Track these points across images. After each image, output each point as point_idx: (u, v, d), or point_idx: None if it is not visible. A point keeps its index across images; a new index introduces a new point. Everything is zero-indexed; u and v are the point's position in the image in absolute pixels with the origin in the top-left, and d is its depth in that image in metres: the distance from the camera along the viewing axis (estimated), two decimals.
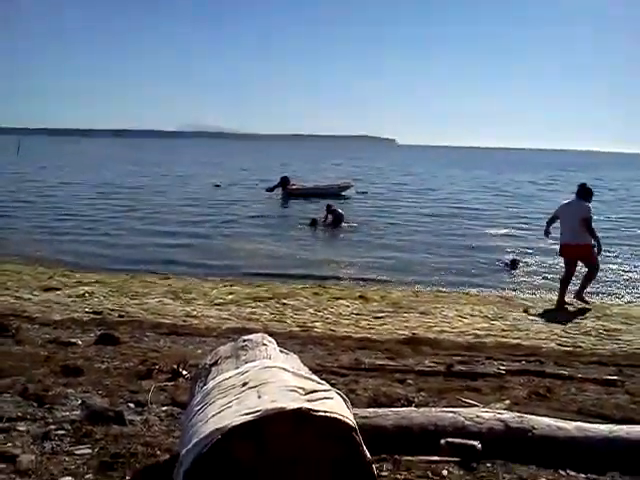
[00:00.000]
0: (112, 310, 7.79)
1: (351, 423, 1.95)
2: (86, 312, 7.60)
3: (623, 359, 5.96)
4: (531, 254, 13.88)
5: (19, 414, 3.25)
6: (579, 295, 8.92)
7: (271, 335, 3.12)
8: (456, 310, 8.33)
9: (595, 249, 8.76)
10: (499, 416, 3.02)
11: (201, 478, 1.84)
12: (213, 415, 2.01)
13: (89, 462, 2.67)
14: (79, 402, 3.47)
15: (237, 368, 2.46)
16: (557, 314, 8.39)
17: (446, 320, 7.80)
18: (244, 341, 2.87)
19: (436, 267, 12.44)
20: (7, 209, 20.23)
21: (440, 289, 10.30)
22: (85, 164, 50.91)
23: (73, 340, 5.60)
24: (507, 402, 3.87)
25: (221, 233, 16.64)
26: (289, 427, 1.86)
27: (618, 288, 10.45)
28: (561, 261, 9.48)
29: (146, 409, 3.49)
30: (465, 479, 2.61)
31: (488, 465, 2.72)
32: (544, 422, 2.98)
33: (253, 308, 8.20)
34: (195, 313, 7.80)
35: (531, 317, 8.16)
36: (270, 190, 27.63)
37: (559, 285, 9.14)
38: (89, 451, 2.78)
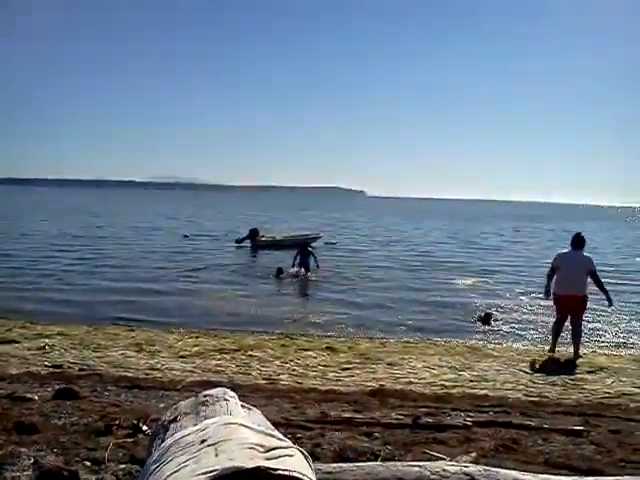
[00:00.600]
0: (73, 363, 7.57)
1: None
2: (45, 365, 7.38)
3: (589, 409, 5.97)
4: (498, 304, 14.00)
5: None
6: (577, 353, 8.97)
7: (236, 388, 3.07)
8: (424, 361, 8.31)
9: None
10: (465, 469, 2.97)
11: None
12: (169, 474, 1.94)
13: None
14: (31, 461, 3.32)
15: (196, 425, 2.39)
16: (524, 365, 8.41)
17: (413, 371, 7.76)
18: (205, 396, 2.80)
19: (404, 317, 12.43)
20: None
21: (408, 339, 10.27)
22: (47, 214, 50.30)
23: (29, 395, 5.40)
24: (474, 454, 3.83)
25: (188, 284, 16.45)
26: None
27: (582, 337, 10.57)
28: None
29: (103, 467, 3.36)
30: None
31: None
32: (511, 475, 2.94)
33: (218, 360, 8.06)
34: (159, 366, 7.63)
35: (498, 367, 8.17)
36: (239, 242, 27.63)
37: (552, 334, 9.15)
38: None
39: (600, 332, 11.30)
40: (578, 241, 8.96)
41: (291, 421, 4.73)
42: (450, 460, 3.37)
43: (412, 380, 7.32)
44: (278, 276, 17.75)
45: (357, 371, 7.69)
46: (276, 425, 2.64)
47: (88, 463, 3.41)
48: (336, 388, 6.76)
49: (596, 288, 8.98)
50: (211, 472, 1.81)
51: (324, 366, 7.92)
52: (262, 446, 2.04)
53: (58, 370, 7.12)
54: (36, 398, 5.32)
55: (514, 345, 10.13)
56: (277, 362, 8.05)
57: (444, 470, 2.96)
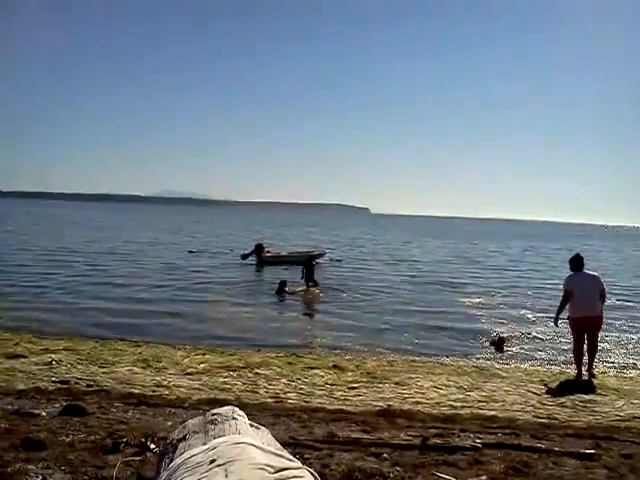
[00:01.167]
0: (80, 379, 7.55)
1: None
2: (52, 381, 7.36)
3: (600, 431, 5.90)
4: (505, 324, 13.93)
5: None
6: (591, 371, 8.92)
7: (243, 407, 3.04)
8: (431, 380, 8.24)
9: None
10: None
11: None
12: None
13: None
14: (39, 479, 3.31)
15: (205, 444, 2.37)
16: (532, 385, 8.32)
17: (421, 391, 7.69)
18: (213, 415, 2.78)
19: (410, 335, 12.39)
20: None
21: (415, 358, 10.20)
22: (50, 228, 50.50)
23: (37, 411, 5.40)
24: (484, 478, 3.79)
25: (194, 300, 16.44)
26: None
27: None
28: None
29: None
30: None
31: None
32: None
33: (225, 378, 8.01)
34: (166, 383, 7.60)
35: (507, 388, 8.09)
36: (245, 257, 27.68)
37: (575, 359, 9.01)
38: None
39: (609, 353, 11.19)
40: (580, 261, 8.98)
41: (299, 441, 4.70)
42: None
43: (420, 400, 7.25)
44: (281, 289, 17.68)
45: (364, 390, 7.63)
46: (284, 445, 2.63)
47: None
48: (344, 407, 6.71)
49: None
50: None
51: (331, 385, 7.87)
52: (272, 467, 2.02)
53: (65, 386, 7.11)
54: (44, 414, 5.31)
55: (522, 365, 10.05)
56: (284, 380, 8.00)
57: None
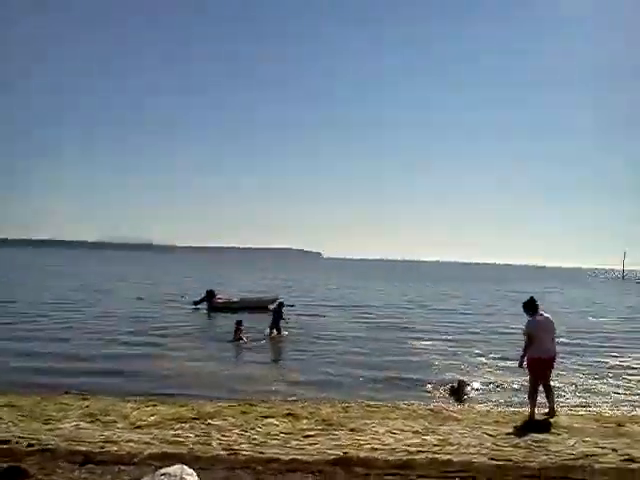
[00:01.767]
0: (21, 438, 7.16)
1: None
2: None
3: (554, 471, 5.96)
4: (458, 367, 14.04)
5: None
6: (554, 407, 9.10)
7: (195, 460, 2.96)
8: (387, 426, 8.17)
9: None
10: None
11: None
12: None
13: None
14: None
15: None
16: (487, 427, 8.36)
17: (377, 436, 7.61)
18: (162, 475, 2.69)
19: (364, 381, 12.37)
20: None
21: (370, 403, 10.14)
22: None
23: None
24: None
25: (143, 349, 16.02)
26: None
27: (543, 398, 10.62)
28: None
29: None
30: None
31: None
32: None
33: (176, 430, 7.76)
34: (115, 438, 7.29)
35: (462, 430, 8.09)
36: (196, 303, 27.37)
37: (529, 399, 9.11)
38: None
39: (560, 392, 11.38)
40: (535, 305, 9.21)
41: None
42: None
43: (376, 446, 7.16)
44: (237, 331, 17.48)
45: (320, 438, 7.50)
46: None
47: None
48: (299, 457, 6.56)
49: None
50: None
51: (286, 434, 7.71)
52: None
53: (5, 446, 6.72)
54: None
55: (476, 407, 10.11)
56: (237, 430, 7.80)
57: None
